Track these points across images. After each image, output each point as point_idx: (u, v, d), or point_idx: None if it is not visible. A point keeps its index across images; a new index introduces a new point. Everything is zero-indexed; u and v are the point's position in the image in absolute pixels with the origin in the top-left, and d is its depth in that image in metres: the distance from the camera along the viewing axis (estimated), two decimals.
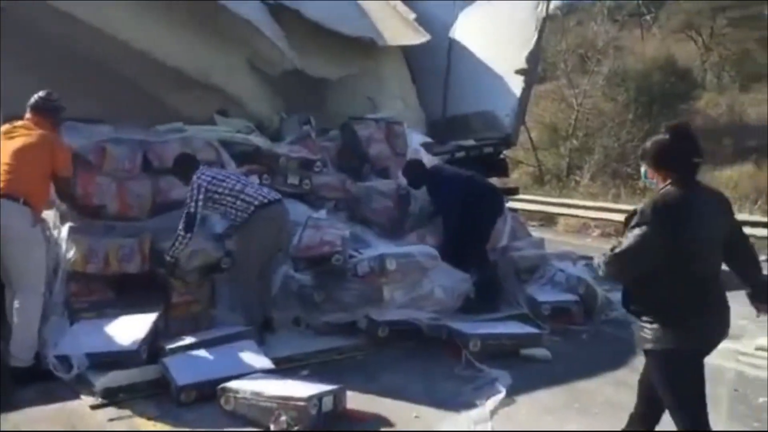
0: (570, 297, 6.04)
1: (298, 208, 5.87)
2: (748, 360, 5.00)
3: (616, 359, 4.94)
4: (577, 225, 13.84)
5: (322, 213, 5.89)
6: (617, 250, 2.72)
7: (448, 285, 5.56)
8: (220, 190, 4.90)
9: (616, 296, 6.68)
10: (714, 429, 2.79)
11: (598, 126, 20.11)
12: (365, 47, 7.96)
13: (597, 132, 19.87)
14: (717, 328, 2.81)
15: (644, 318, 2.78)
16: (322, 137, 7.16)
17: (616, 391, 4.35)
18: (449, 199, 6.15)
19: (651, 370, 2.84)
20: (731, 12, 23.44)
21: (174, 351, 4.41)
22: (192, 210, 4.78)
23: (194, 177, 4.88)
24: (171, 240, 4.79)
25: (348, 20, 7.83)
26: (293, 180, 6.20)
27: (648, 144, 2.90)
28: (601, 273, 2.82)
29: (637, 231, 2.68)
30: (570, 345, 5.43)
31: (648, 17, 30.01)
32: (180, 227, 4.76)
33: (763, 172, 15.65)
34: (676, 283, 2.71)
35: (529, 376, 4.60)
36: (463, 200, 6.06)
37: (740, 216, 11.76)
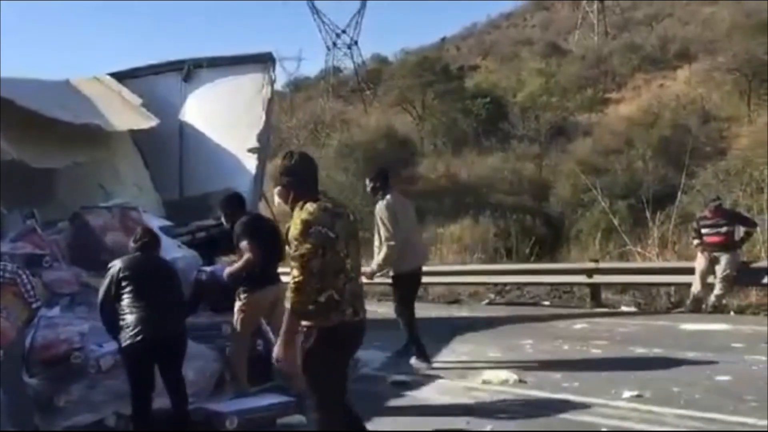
0: None
1: None
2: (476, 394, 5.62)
3: (365, 415, 5.25)
4: None
5: (56, 310, 5.56)
6: None
7: (199, 365, 5.52)
8: None
9: (364, 354, 7.16)
10: None
11: (335, 196, 21.25)
12: (93, 135, 7.74)
13: None
14: None
15: None
16: (49, 230, 6.77)
17: None
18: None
19: None
20: (437, 86, 26.53)
21: None
22: None
23: None
24: None
25: (69, 108, 7.58)
26: None
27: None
28: None
29: None
30: None
31: (368, 92, 32.77)
32: None
33: (480, 225, 17.68)
34: None
35: None
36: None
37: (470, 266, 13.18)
